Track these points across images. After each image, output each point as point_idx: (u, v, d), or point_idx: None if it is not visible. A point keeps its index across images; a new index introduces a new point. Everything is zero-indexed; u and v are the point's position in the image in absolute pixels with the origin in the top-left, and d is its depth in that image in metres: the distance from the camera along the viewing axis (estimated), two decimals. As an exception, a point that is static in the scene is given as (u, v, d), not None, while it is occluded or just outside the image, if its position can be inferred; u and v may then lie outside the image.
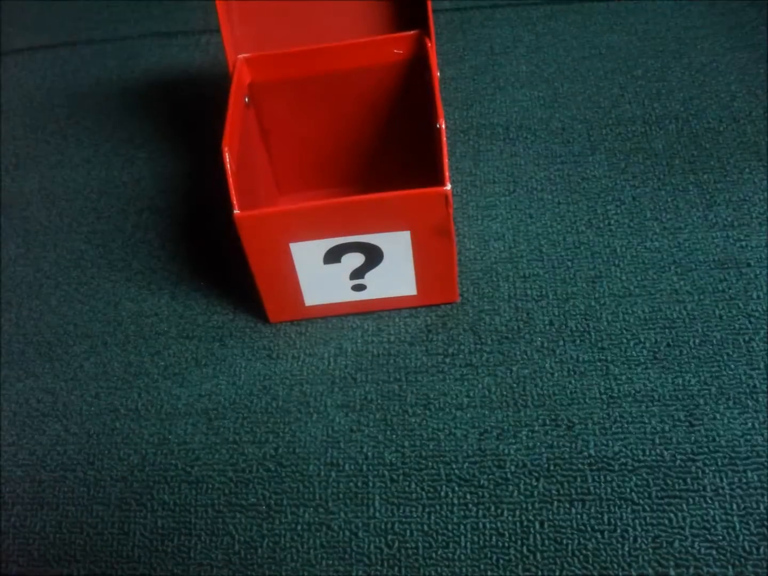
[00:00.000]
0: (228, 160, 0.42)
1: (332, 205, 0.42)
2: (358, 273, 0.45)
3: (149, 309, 0.51)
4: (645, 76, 0.61)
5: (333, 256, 0.43)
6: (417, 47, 0.48)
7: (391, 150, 0.53)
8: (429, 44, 0.47)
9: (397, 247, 0.43)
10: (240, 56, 0.48)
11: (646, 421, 0.42)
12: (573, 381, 0.44)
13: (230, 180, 0.42)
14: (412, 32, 0.48)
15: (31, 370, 0.50)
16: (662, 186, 0.53)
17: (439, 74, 0.48)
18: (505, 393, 0.44)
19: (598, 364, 0.45)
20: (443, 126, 0.42)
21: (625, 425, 0.42)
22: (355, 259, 0.44)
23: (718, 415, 0.42)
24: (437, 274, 0.46)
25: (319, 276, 0.45)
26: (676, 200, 0.52)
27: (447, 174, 0.41)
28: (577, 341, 0.46)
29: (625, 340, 0.46)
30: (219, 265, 0.53)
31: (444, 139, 0.42)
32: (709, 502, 0.39)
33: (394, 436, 0.43)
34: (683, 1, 0.67)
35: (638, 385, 0.44)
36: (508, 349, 0.46)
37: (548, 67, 0.63)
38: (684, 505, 0.39)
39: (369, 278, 0.45)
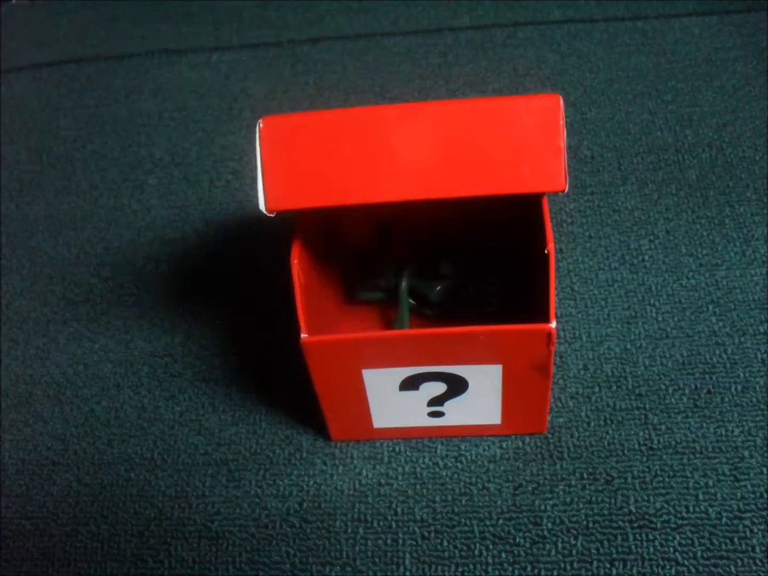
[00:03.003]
0: (298, 274, 0.36)
1: (414, 335, 0.37)
2: (436, 401, 0.40)
3: (162, 349, 0.49)
4: (675, 100, 0.59)
5: (410, 383, 0.39)
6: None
7: (484, 246, 0.47)
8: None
9: (485, 379, 0.38)
10: None
11: (689, 475, 0.40)
12: (610, 431, 0.42)
13: (298, 299, 0.36)
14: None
15: (39, 413, 0.47)
16: (697, 219, 0.51)
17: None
18: (539, 444, 0.42)
19: (636, 412, 0.43)
20: (552, 251, 0.35)
21: (667, 479, 0.40)
22: (436, 388, 0.39)
23: (765, 469, 0.40)
24: (527, 407, 0.41)
25: (392, 402, 0.40)
26: (712, 234, 0.50)
27: (553, 309, 0.34)
28: (614, 387, 0.44)
29: (663, 386, 0.44)
30: (236, 302, 0.51)
31: (552, 267, 0.35)
32: (759, 564, 0.37)
33: (424, 490, 0.41)
34: (712, 18, 0.65)
35: (678, 435, 0.42)
36: (542, 396, 0.44)
37: (575, 90, 0.60)
38: (732, 567, 0.37)
39: (448, 406, 0.41)
